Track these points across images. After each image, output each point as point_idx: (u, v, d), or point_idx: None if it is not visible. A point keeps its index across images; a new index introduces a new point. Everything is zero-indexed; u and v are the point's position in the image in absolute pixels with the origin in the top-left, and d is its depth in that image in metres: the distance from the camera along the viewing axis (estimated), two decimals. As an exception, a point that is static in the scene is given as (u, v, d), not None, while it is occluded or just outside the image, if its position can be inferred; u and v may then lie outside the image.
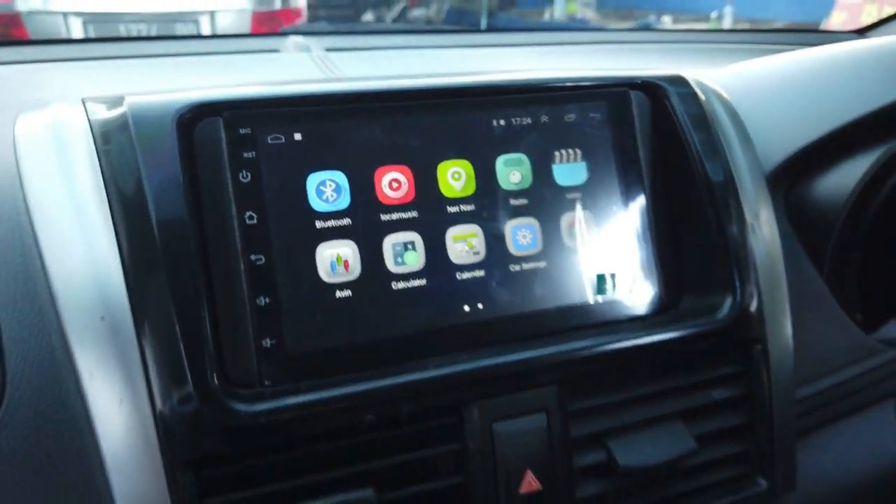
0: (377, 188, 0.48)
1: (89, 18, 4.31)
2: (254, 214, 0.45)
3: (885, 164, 0.63)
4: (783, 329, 0.54)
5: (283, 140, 0.46)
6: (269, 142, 0.46)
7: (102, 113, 0.45)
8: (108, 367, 0.39)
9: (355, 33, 1.22)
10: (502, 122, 0.52)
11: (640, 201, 0.55)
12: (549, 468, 0.48)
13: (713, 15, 8.20)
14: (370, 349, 0.47)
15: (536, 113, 0.53)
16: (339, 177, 0.48)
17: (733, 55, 1.14)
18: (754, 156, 0.59)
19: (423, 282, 0.49)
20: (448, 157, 0.50)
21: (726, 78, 0.74)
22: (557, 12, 9.65)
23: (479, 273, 0.50)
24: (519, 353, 0.47)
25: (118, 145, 0.43)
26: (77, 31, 4.16)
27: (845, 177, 0.61)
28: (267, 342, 0.45)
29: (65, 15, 4.28)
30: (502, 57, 1.13)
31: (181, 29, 4.69)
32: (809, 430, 0.59)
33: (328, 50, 1.06)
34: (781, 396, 0.54)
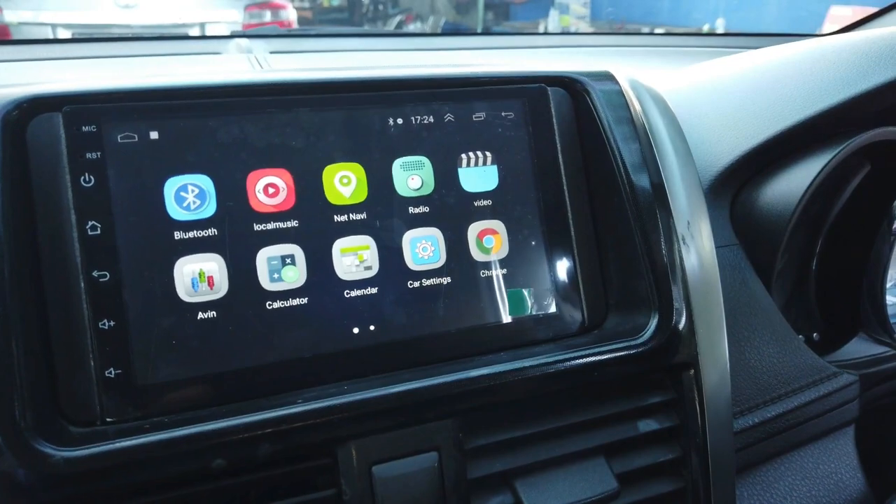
0: (250, 194, 0.43)
1: (79, 31, 4.30)
2: (97, 224, 0.39)
3: (839, 170, 0.57)
4: (718, 351, 0.48)
5: (137, 139, 0.41)
6: (120, 141, 0.40)
7: (-83, 109, 0.39)
8: None
9: (304, 36, 1.16)
10: (400, 122, 0.46)
11: (560, 210, 0.49)
12: (442, 515, 0.42)
13: (705, 27, 8.22)
14: (236, 380, 0.41)
15: (440, 111, 0.47)
16: (204, 181, 0.42)
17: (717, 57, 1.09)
18: (689, 163, 0.53)
19: (303, 300, 0.43)
20: (335, 160, 0.45)
21: (676, 80, 0.69)
22: (551, 25, 9.68)
23: (371, 290, 0.45)
24: (407, 383, 0.41)
25: (-68, 145, 0.37)
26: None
27: (794, 183, 0.56)
28: (111, 371, 0.39)
29: (53, 27, 4.27)
30: (460, 59, 1.07)
31: (170, 42, 4.65)
32: (753, 464, 0.53)
33: (273, 52, 1.01)
34: (717, 427, 0.48)
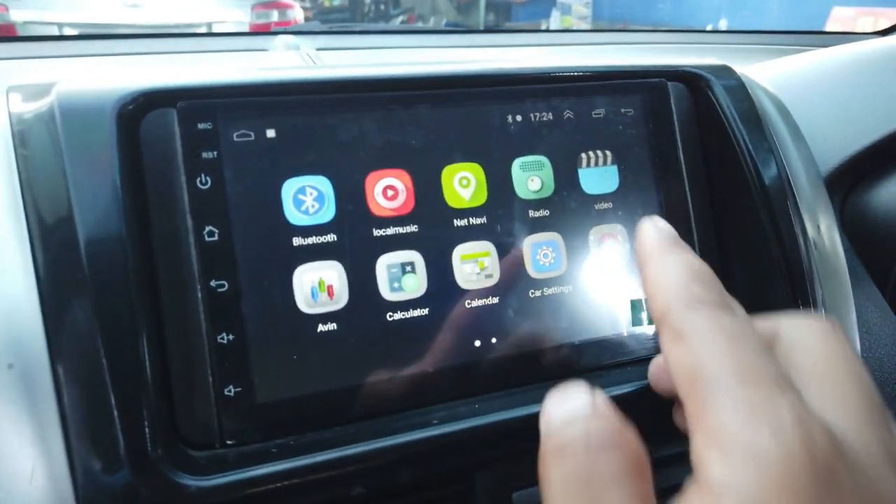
0: (369, 197, 0.39)
1: (85, 30, 4.29)
2: (215, 230, 0.36)
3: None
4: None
5: (254, 137, 0.37)
6: (236, 139, 0.37)
7: (23, 105, 0.36)
8: (16, 428, 0.30)
9: (348, 33, 1.13)
10: (519, 119, 0.43)
11: (682, 212, 0.46)
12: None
13: (708, 28, 8.22)
14: (361, 396, 0.38)
15: (559, 108, 0.44)
16: (323, 183, 0.39)
17: (750, 55, 1.07)
18: (811, 158, 0.50)
19: (424, 311, 0.40)
20: (455, 160, 0.42)
21: (765, 74, 0.65)
22: (553, 25, 9.68)
23: (493, 300, 0.41)
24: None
25: (41, 146, 0.34)
26: (71, 44, 4.12)
27: (914, 184, 0.53)
28: (230, 390, 0.35)
29: (59, 26, 4.25)
30: (513, 56, 1.04)
31: (177, 40, 4.64)
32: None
33: (319, 49, 0.98)
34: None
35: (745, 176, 0.45)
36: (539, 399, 0.38)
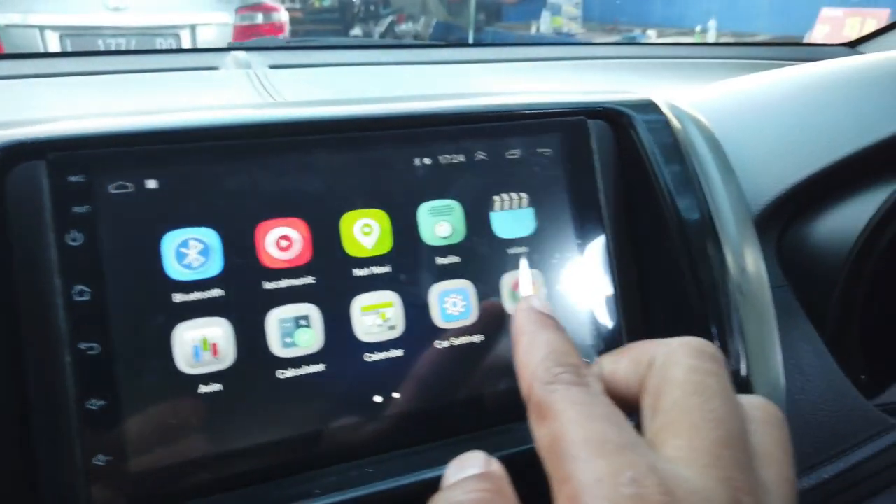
0: (259, 249, 0.38)
1: (67, 33, 4.25)
2: (86, 289, 0.34)
3: (888, 203, 0.53)
4: (778, 405, 0.43)
5: (132, 189, 0.35)
6: (112, 192, 0.35)
7: None
8: None
9: (305, 48, 1.11)
10: (427, 161, 0.41)
11: (602, 255, 0.44)
12: None
13: (697, 28, 8.23)
14: (247, 462, 0.36)
15: (471, 149, 0.42)
16: (209, 235, 0.37)
17: (720, 70, 1.05)
18: (739, 193, 0.48)
19: (320, 367, 0.38)
20: (355, 207, 0.40)
21: (707, 99, 0.64)
22: (543, 26, 9.68)
23: (396, 353, 0.40)
24: (442, 467, 0.36)
25: None
26: (53, 46, 4.12)
27: (851, 219, 0.51)
28: (100, 459, 0.33)
29: (41, 29, 4.21)
30: (469, 75, 1.03)
31: (161, 44, 4.66)
32: (814, 530, 0.49)
33: (272, 67, 0.96)
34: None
35: (666, 216, 0.44)
36: (439, 461, 0.36)
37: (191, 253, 0.36)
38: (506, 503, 0.29)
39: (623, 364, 0.33)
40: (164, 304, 0.35)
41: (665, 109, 0.48)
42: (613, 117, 0.46)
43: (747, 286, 0.45)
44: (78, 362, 0.33)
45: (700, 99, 0.64)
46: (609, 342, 0.44)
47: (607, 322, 0.44)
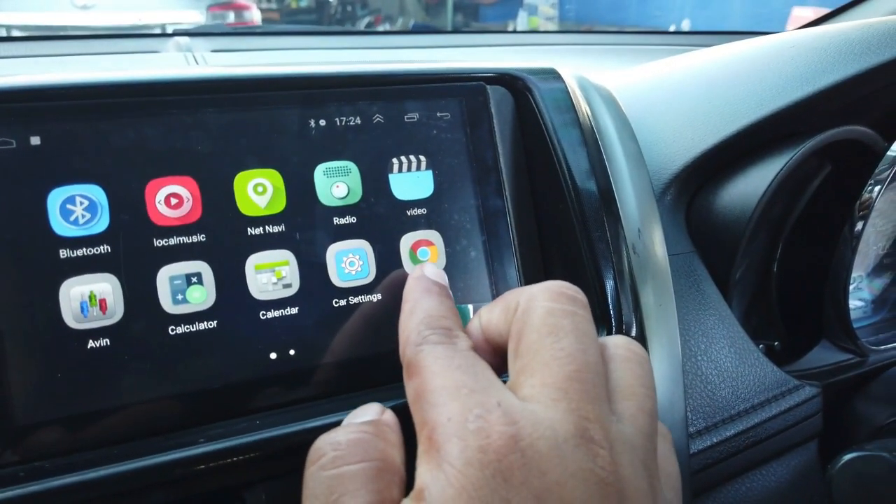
0: (149, 206, 0.38)
1: (35, 32, 4.20)
2: (-33, 243, 0.34)
3: (799, 171, 0.54)
4: (673, 370, 0.45)
5: (15, 145, 0.36)
6: (-6, 148, 0.35)
7: None
8: None
9: (250, 34, 1.12)
10: (322, 123, 0.42)
11: (501, 218, 0.45)
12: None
13: (671, 28, 8.32)
14: (134, 416, 0.36)
15: (368, 112, 0.43)
16: (95, 191, 0.37)
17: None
18: (640, 164, 0.50)
19: (212, 324, 0.38)
20: (248, 166, 0.40)
21: (630, 77, 0.65)
22: (520, 26, 9.72)
23: (292, 310, 0.40)
24: (327, 416, 0.37)
25: None
26: (19, 46, 4.05)
27: (751, 185, 0.53)
28: (-17, 411, 0.34)
29: (8, 28, 4.15)
30: (412, 58, 1.04)
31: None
32: (712, 485, 0.50)
33: (214, 51, 0.96)
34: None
35: (561, 182, 0.45)
36: (326, 412, 0.37)
37: (77, 209, 0.36)
38: (385, 446, 0.30)
39: (496, 313, 0.34)
40: (50, 260, 0.36)
41: (569, 79, 0.49)
42: (513, 84, 0.47)
43: (643, 249, 0.46)
44: (-41, 315, 0.34)
45: (622, 79, 0.66)
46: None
47: (505, 280, 0.45)
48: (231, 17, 4.98)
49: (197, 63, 0.83)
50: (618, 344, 0.33)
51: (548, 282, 0.33)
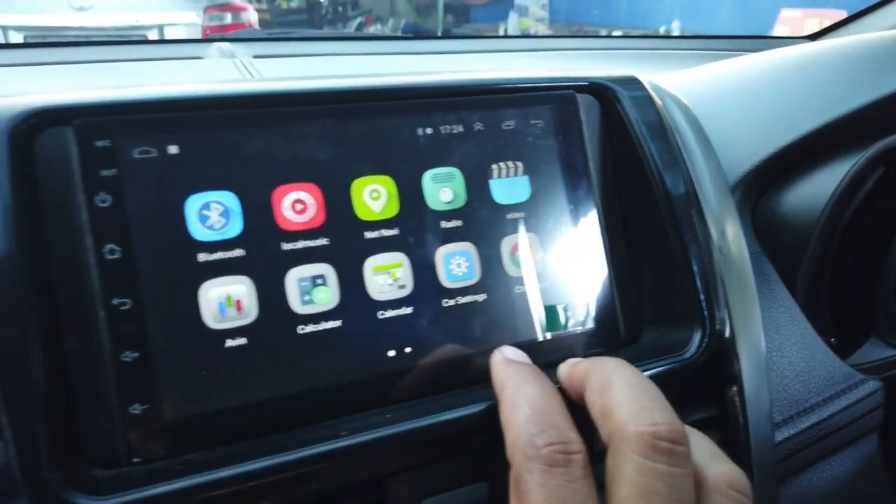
0: (277, 211, 0.40)
1: (31, 33, 4.17)
2: (116, 248, 0.36)
3: (861, 173, 0.57)
4: (758, 362, 0.47)
5: (155, 154, 0.37)
6: (136, 156, 0.37)
7: None
8: None
9: (286, 40, 1.13)
10: (429, 131, 0.44)
11: (593, 221, 0.47)
12: (493, 548, 0.40)
13: (661, 29, 8.37)
14: (270, 411, 0.38)
15: (469, 120, 0.45)
16: (229, 198, 0.39)
17: (687, 61, 1.09)
18: (718, 166, 0.52)
19: (336, 323, 0.40)
20: (364, 173, 0.42)
21: (681, 83, 0.67)
22: (511, 27, 9.75)
23: (406, 310, 0.42)
24: (455, 410, 0.39)
25: (-71, 165, 0.34)
26: (16, 47, 4.03)
27: (818, 188, 0.55)
28: (136, 408, 0.35)
29: (4, 29, 4.13)
30: (454, 64, 1.05)
31: (126, 44, 4.56)
32: (787, 475, 0.52)
33: (256, 57, 0.98)
34: (761, 442, 0.46)
35: (651, 184, 0.47)
36: (451, 407, 0.39)
37: (212, 215, 0.38)
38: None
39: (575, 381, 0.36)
40: (189, 263, 0.37)
41: (647, 86, 0.51)
42: (600, 92, 0.49)
43: (727, 249, 0.48)
44: (111, 317, 0.35)
45: (675, 82, 0.68)
46: (602, 304, 0.47)
47: (599, 284, 0.47)
48: (228, 18, 4.97)
49: (248, 71, 0.85)
50: (718, 488, 0.31)
51: (641, 419, 0.31)
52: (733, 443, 0.46)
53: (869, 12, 1.19)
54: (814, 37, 1.28)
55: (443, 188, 0.44)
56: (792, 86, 0.61)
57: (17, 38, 4.12)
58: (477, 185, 0.45)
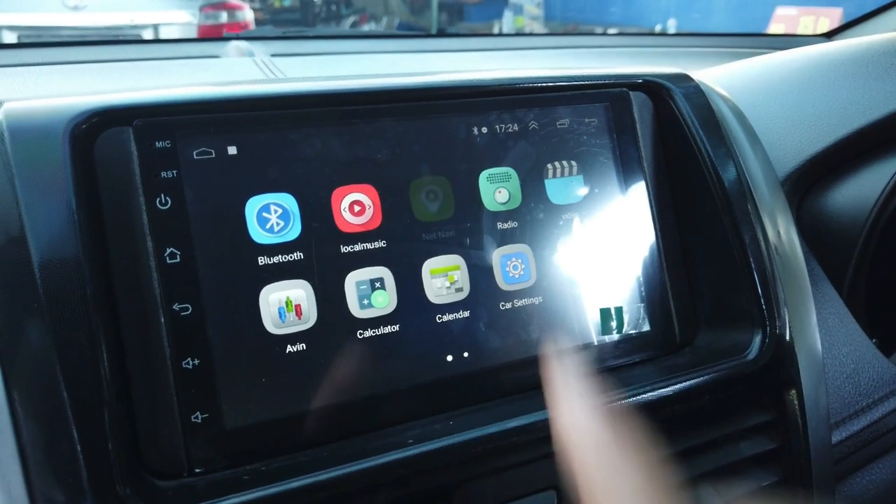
0: (335, 213, 0.39)
1: (25, 33, 4.14)
2: (176, 251, 0.35)
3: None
4: (816, 365, 0.46)
5: (214, 155, 0.36)
6: (196, 157, 0.36)
7: (-31, 124, 0.34)
8: (-30, 467, 0.29)
9: (302, 38, 1.12)
10: (484, 130, 0.43)
11: (647, 220, 0.46)
12: (561, 555, 0.39)
13: (657, 28, 8.38)
14: (332, 418, 0.37)
15: (524, 119, 0.44)
16: (287, 200, 0.38)
17: (701, 59, 1.09)
18: (768, 163, 0.51)
19: (395, 328, 0.39)
20: (421, 174, 0.41)
21: (721, 78, 0.67)
22: (506, 26, 9.73)
23: (464, 314, 0.41)
24: (520, 418, 0.38)
25: (-11, 166, 0.32)
26: (10, 47, 4.00)
27: (865, 188, 0.54)
28: (197, 416, 0.34)
29: (-2, 29, 4.09)
30: (461, 61, 1.04)
31: (126, 43, 4.55)
32: (841, 478, 0.51)
33: (273, 55, 0.96)
34: (819, 445, 0.46)
35: (707, 182, 0.46)
36: (514, 414, 0.38)
37: (272, 217, 0.37)
38: None
39: None
40: (250, 267, 0.36)
41: (699, 83, 0.50)
42: (653, 89, 0.48)
43: (782, 248, 0.47)
44: (172, 323, 0.34)
45: (715, 77, 0.67)
46: (656, 305, 0.46)
47: (654, 285, 0.46)
48: (224, 16, 4.94)
49: (269, 69, 0.84)
50: None
51: None
52: (794, 445, 0.45)
53: (882, 11, 1.19)
54: (829, 34, 1.28)
55: (499, 188, 0.43)
56: (834, 85, 0.60)
57: (11, 37, 4.08)
58: (532, 185, 0.44)
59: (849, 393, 0.52)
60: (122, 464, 0.31)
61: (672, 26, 8.43)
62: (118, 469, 0.30)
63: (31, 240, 0.31)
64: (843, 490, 0.52)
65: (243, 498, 0.32)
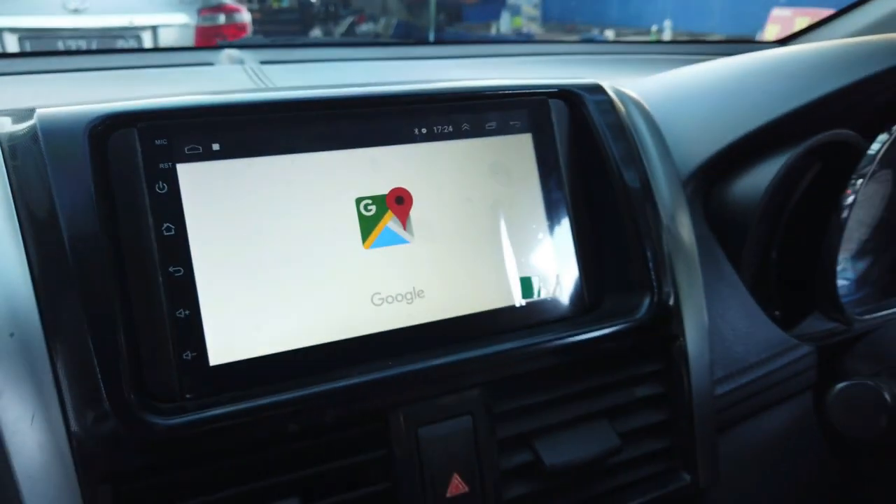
0: (299, 197, 0.49)
1: (26, 35, 4.21)
2: (171, 226, 0.45)
3: (794, 167, 0.66)
4: (700, 326, 0.56)
5: (201, 150, 0.46)
6: (187, 152, 0.46)
7: (10, 126, 0.44)
8: (18, 383, 0.39)
9: (291, 46, 1.22)
10: (424, 131, 0.53)
11: (562, 207, 0.56)
12: (476, 470, 0.48)
13: (654, 28, 8.44)
14: (294, 358, 0.47)
15: (458, 121, 0.54)
16: (260, 187, 0.48)
17: (668, 65, 1.18)
18: (670, 162, 0.61)
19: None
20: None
21: (647, 87, 0.76)
22: (504, 26, 9.80)
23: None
24: (442, 357, 0.48)
25: (27, 159, 0.42)
26: (12, 48, 4.08)
27: (758, 180, 0.64)
28: (188, 355, 0.44)
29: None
30: (445, 68, 1.14)
31: (122, 45, 4.62)
32: (731, 424, 0.61)
33: (263, 63, 1.06)
34: (701, 392, 0.56)
35: (612, 180, 0.56)
36: (438, 356, 0.48)
37: (248, 200, 0.47)
38: None
39: None
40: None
41: (610, 92, 0.60)
42: (568, 97, 0.58)
43: (676, 233, 0.57)
44: (168, 282, 0.44)
45: (641, 86, 0.77)
46: (569, 273, 0.56)
47: (565, 260, 0.56)
48: (222, 18, 5.01)
49: (257, 76, 0.93)
50: None
51: None
52: (677, 392, 0.55)
53: (836, 17, 1.27)
54: (783, 41, 1.37)
55: (435, 179, 0.53)
56: (740, 89, 0.70)
57: (11, 39, 4.15)
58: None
59: (738, 352, 0.62)
60: (132, 389, 0.40)
61: (668, 27, 8.50)
62: (129, 385, 0.40)
63: (61, 217, 0.41)
64: (733, 437, 0.62)
65: (218, 412, 0.42)
